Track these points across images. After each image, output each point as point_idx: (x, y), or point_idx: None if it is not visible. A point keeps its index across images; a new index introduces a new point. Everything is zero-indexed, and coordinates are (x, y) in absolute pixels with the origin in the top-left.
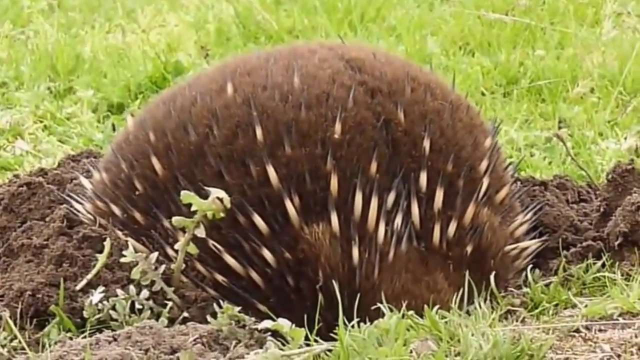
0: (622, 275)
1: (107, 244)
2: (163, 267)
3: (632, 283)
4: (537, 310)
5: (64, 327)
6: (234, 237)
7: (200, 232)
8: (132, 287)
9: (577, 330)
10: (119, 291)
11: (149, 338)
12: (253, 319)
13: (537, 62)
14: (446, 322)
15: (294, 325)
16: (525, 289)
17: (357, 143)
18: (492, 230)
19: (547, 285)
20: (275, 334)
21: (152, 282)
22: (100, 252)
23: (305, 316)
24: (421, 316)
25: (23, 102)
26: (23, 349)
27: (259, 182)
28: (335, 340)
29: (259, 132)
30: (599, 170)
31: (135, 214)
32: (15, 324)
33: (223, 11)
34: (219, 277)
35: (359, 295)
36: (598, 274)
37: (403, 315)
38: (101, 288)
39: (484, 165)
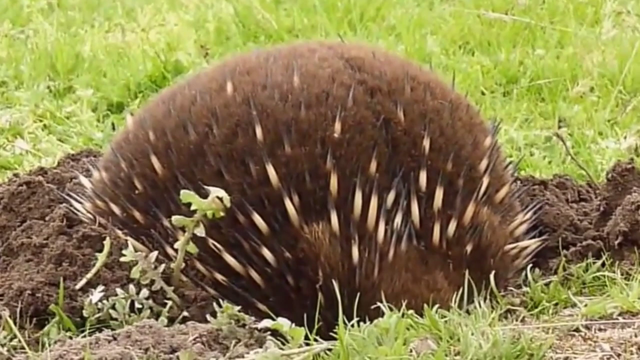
0: (622, 274)
1: (106, 243)
2: (163, 266)
3: (632, 282)
4: (536, 310)
5: (64, 326)
6: (234, 237)
7: (200, 231)
8: (131, 286)
9: (577, 330)
10: (119, 290)
11: (149, 337)
12: (253, 318)
13: (537, 61)
14: (446, 322)
15: (293, 325)
16: (525, 288)
17: (356, 142)
18: (491, 230)
19: (546, 284)
20: (275, 333)
21: (152, 281)
22: (100, 251)
23: (305, 315)
24: (421, 315)
25: (23, 101)
26: (23, 348)
27: (259, 181)
28: (335, 339)
29: (258, 131)
30: (598, 169)
31: (135, 213)
32: (15, 323)
33: (223, 10)
34: (219, 276)
35: (358, 294)
36: (598, 273)
37: (403, 315)
38: (101, 287)
39: (483, 164)
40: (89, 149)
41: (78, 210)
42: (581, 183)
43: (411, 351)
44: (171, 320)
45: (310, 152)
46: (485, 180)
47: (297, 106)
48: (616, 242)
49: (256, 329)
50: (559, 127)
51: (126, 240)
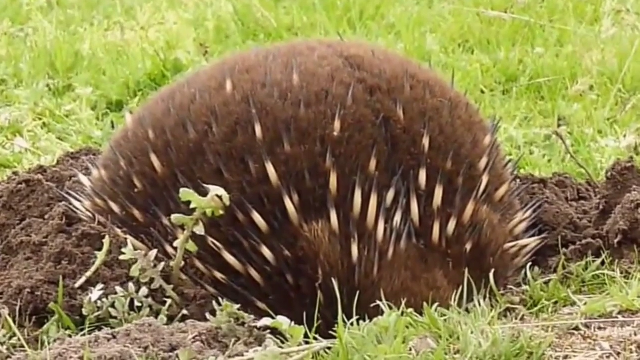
0: (622, 273)
1: (106, 241)
2: (162, 264)
3: (632, 281)
4: (536, 308)
5: (63, 324)
6: (233, 235)
7: (200, 230)
8: (131, 285)
9: (577, 328)
10: (118, 289)
11: (148, 336)
12: (252, 316)
13: (537, 60)
14: (445, 320)
15: (293, 323)
16: (524, 287)
17: (356, 140)
18: (491, 228)
19: (546, 282)
20: (275, 331)
21: (151, 280)
22: (100, 249)
23: (305, 314)
24: (420, 314)
25: (22, 100)
26: (22, 346)
27: (258, 179)
28: (334, 338)
29: (258, 129)
30: (598, 167)
31: (134, 212)
32: (14, 322)
33: (222, 9)
34: (218, 275)
35: (358, 292)
36: (597, 272)
37: (402, 313)
38: (100, 285)
39: (483, 162)
40: (88, 148)
41: (77, 209)
42: (581, 181)
43: (411, 350)
44: (171, 319)
45: (309, 151)
46: (485, 179)
47: (297, 104)
48: (616, 241)
49: (256, 327)
50: (559, 126)
51: (125, 238)
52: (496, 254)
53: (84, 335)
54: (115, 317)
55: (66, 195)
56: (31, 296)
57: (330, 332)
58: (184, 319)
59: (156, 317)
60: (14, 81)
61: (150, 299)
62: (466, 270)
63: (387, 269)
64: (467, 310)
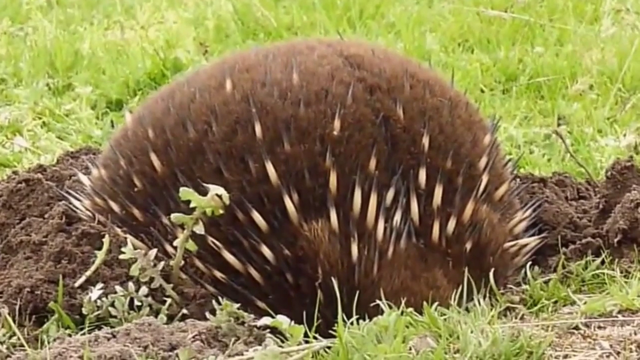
0: (621, 272)
1: (105, 240)
2: (162, 263)
3: (631, 280)
4: (536, 308)
5: (63, 323)
6: (233, 234)
7: (199, 229)
8: (131, 284)
9: (576, 328)
10: (118, 288)
11: (148, 335)
12: (252, 315)
13: (536, 59)
14: (445, 319)
15: (293, 322)
16: (524, 286)
17: (356, 140)
18: (491, 227)
19: (546, 282)
20: (275, 330)
21: (151, 279)
22: (99, 248)
23: (305, 313)
24: (420, 313)
25: (22, 99)
26: (22, 345)
27: (258, 178)
28: (334, 337)
29: (258, 128)
30: (598, 167)
31: (134, 211)
32: (14, 321)
33: (222, 8)
34: (218, 274)
35: (358, 292)
36: (597, 271)
37: (402, 312)
38: (100, 285)
39: (483, 162)
40: (88, 147)
41: (77, 208)
42: (580, 181)
43: (410, 349)
44: (170, 318)
45: (309, 150)
46: (485, 178)
47: (297, 104)
48: (615, 240)
49: (255, 326)
50: (559, 125)
51: (125, 237)
52: (496, 253)
53: (83, 334)
54: (115, 316)
55: (66, 195)
56: (31, 295)
57: (330, 331)
58: (183, 318)
59: (156, 316)
60: (13, 80)
61: (150, 298)
62: (466, 270)
63: (386, 268)
64: (466, 309)
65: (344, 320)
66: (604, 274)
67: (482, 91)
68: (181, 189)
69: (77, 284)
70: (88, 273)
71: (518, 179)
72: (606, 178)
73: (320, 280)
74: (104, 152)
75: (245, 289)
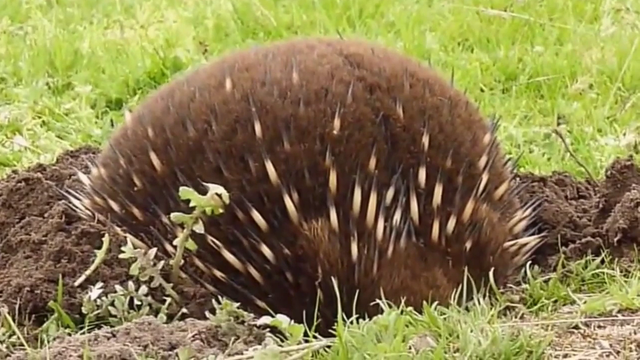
0: (621, 271)
1: (105, 239)
2: (162, 263)
3: (631, 279)
4: (536, 307)
5: (63, 323)
6: (233, 233)
7: (199, 228)
8: (130, 283)
9: (576, 327)
10: (118, 287)
11: (148, 334)
12: (252, 315)
13: (536, 58)
14: (445, 318)
15: (292, 321)
16: (524, 285)
17: (356, 139)
18: (491, 226)
19: (546, 281)
20: (274, 330)
21: (151, 278)
22: (99, 248)
23: (304, 312)
24: (420, 312)
25: (21, 98)
26: (22, 344)
27: (258, 178)
28: (334, 336)
29: (257, 127)
30: (597, 166)
31: (134, 210)
32: (13, 320)
33: (221, 7)
34: (218, 273)
35: (357, 291)
36: (597, 270)
37: (402, 312)
38: (100, 284)
39: (483, 161)
40: (87, 146)
41: (77, 207)
42: (580, 180)
43: (410, 348)
44: (170, 317)
45: (309, 149)
46: (485, 177)
47: (296, 103)
48: (615, 239)
49: (255, 325)
50: (558, 124)
51: (125, 237)
52: (496, 253)
53: (83, 333)
54: (115, 316)
55: (65, 194)
56: (31, 294)
57: (330, 330)
58: (183, 317)
59: (156, 316)
60: (13, 79)
61: (149, 298)
62: (466, 269)
63: (386, 267)
64: (466, 308)
65: (343, 320)
66: (603, 273)
67: (482, 90)
68: (181, 188)
69: (76, 283)
70: (88, 272)
71: (518, 178)
72: (606, 177)
73: (320, 279)
74: (104, 151)
75: (245, 288)
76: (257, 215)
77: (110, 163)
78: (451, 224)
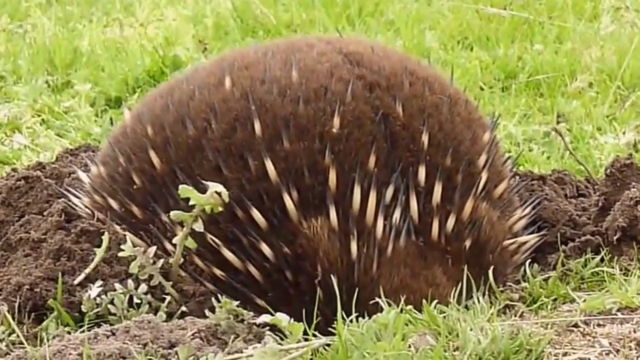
0: (621, 269)
1: (105, 238)
2: (161, 261)
3: (631, 278)
4: (535, 305)
5: (62, 321)
6: (233, 232)
7: (199, 227)
8: (130, 282)
9: (576, 325)
10: (117, 285)
11: (147, 332)
12: (251, 313)
13: (536, 57)
14: (445, 317)
15: (292, 320)
16: (523, 284)
17: (355, 137)
18: (490, 225)
19: (545, 279)
20: (274, 328)
21: (151, 277)
22: (99, 246)
23: (304, 311)
24: (420, 311)
25: (21, 96)
26: (21, 343)
27: (258, 176)
28: (333, 334)
29: (257, 126)
30: (597, 164)
31: (133, 208)
32: (13, 318)
33: (221, 5)
34: (218, 272)
35: (357, 289)
36: (596, 269)
37: (401, 310)
38: (99, 282)
39: (482, 159)
40: (87, 144)
41: (76, 205)
42: (580, 178)
43: (410, 347)
44: (170, 316)
45: (308, 147)
46: (484, 176)
47: (296, 101)
48: (615, 238)
49: (255, 324)
50: (558, 123)
51: (124, 235)
52: (495, 251)
53: (83, 331)
54: (114, 314)
55: (65, 192)
56: (30, 293)
57: (330, 329)
58: (183, 315)
59: (155, 314)
60: (12, 78)
61: (149, 296)
62: (465, 267)
63: (386, 265)
64: (466, 307)
65: (343, 318)
66: (603, 271)
67: (482, 89)
68: (180, 186)
69: (76, 282)
70: (87, 270)
71: (517, 177)
72: (605, 176)
73: (319, 277)
74: (103, 149)
75: (244, 286)
76: (256, 214)
77: (109, 161)
78: (451, 222)
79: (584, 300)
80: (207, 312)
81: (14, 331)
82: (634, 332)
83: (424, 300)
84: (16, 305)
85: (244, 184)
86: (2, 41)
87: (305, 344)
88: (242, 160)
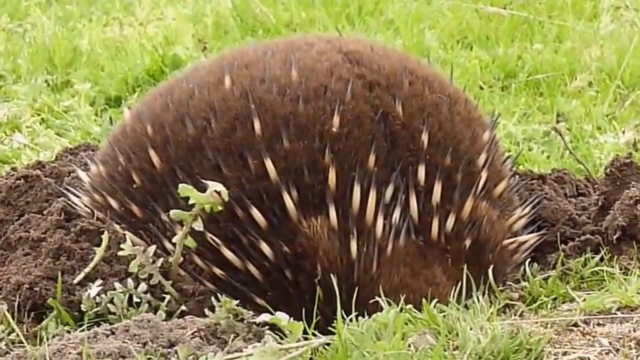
0: (621, 269)
1: (104, 237)
2: (161, 260)
3: (630, 277)
4: (535, 304)
5: (62, 320)
6: (232, 231)
7: (198, 226)
8: (130, 281)
9: (576, 325)
10: (117, 284)
11: (147, 331)
12: (251, 312)
13: (535, 56)
14: (444, 316)
15: (292, 319)
16: (523, 283)
17: (355, 136)
18: (490, 224)
19: (545, 279)
20: (274, 327)
21: (150, 276)
22: (98, 245)
23: (304, 310)
24: (419, 310)
25: (20, 95)
26: (21, 342)
27: (257, 175)
28: (333, 334)
29: (257, 125)
30: (597, 164)
31: (133, 207)
32: (13, 317)
33: (220, 4)
34: (217, 271)
35: (357, 288)
36: (596, 268)
37: (401, 309)
38: (99, 281)
39: (482, 158)
40: (86, 143)
41: (76, 204)
42: (579, 178)
43: (410, 346)
44: (169, 315)
45: (308, 147)
46: (484, 175)
47: (296, 100)
48: (614, 237)
49: (254, 323)
50: (558, 122)
51: (124, 234)
52: (495, 250)
53: (82, 331)
54: (114, 313)
55: (65, 191)
56: (30, 292)
57: (329, 328)
58: (182, 314)
59: (155, 313)
60: (12, 77)
61: (148, 295)
62: (465, 266)
63: (386, 265)
64: (466, 306)
65: (343, 317)
66: (603, 271)
67: (481, 88)
68: (180, 185)
69: (76, 281)
70: (87, 270)
71: (517, 176)
72: (605, 175)
73: (319, 277)
74: (103, 148)
75: (244, 285)
76: (256, 213)
77: (109, 160)
78: (450, 221)
79: (584, 300)
80: (206, 311)
81: (13, 330)
82: (634, 331)
83: (423, 300)
84: (16, 304)
85: (243, 183)
86: (1, 40)
87: (305, 343)
88: (242, 159)
